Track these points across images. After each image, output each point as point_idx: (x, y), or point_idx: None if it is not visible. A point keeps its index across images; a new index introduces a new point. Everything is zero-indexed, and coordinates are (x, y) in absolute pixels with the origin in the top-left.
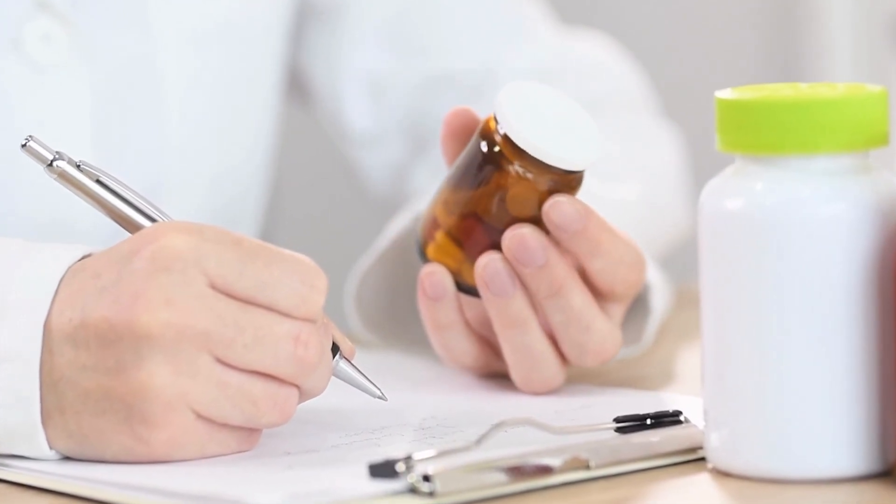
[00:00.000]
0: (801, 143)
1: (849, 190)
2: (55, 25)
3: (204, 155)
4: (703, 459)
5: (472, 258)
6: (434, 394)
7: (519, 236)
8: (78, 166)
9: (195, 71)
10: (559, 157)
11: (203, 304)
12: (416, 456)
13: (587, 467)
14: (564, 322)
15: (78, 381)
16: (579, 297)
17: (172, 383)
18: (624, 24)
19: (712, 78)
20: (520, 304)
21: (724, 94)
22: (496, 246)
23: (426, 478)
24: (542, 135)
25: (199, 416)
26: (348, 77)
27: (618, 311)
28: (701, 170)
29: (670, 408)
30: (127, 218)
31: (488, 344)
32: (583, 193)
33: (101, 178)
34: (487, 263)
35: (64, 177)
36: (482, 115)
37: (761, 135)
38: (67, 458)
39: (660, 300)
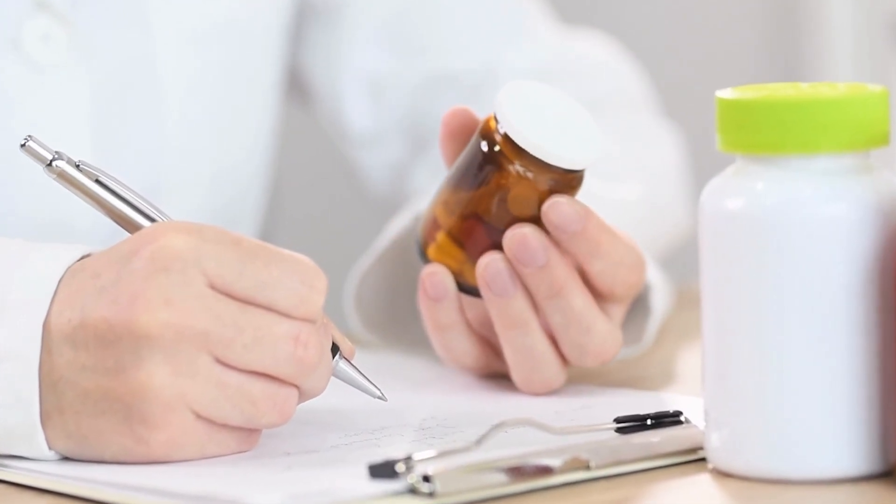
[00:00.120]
0: (801, 142)
1: (850, 190)
2: (54, 25)
3: (203, 155)
4: (703, 460)
5: (474, 258)
6: (434, 394)
7: (520, 236)
8: (77, 166)
9: (195, 71)
10: (559, 156)
11: (202, 304)
12: (416, 456)
13: (587, 468)
14: (565, 323)
15: (77, 381)
16: (580, 298)
17: (172, 384)
18: (624, 23)
19: (713, 77)
20: (521, 304)
21: (725, 93)
22: (497, 246)
23: (426, 478)
24: (542, 134)
25: (199, 417)
26: (348, 77)
27: (618, 311)
28: (701, 169)
29: (671, 408)
30: (126, 218)
31: (489, 344)
32: (583, 193)
33: (100, 178)
34: (489, 263)
35: (63, 177)
36: (482, 114)
37: (762, 134)
38: (67, 459)
39: (660, 300)
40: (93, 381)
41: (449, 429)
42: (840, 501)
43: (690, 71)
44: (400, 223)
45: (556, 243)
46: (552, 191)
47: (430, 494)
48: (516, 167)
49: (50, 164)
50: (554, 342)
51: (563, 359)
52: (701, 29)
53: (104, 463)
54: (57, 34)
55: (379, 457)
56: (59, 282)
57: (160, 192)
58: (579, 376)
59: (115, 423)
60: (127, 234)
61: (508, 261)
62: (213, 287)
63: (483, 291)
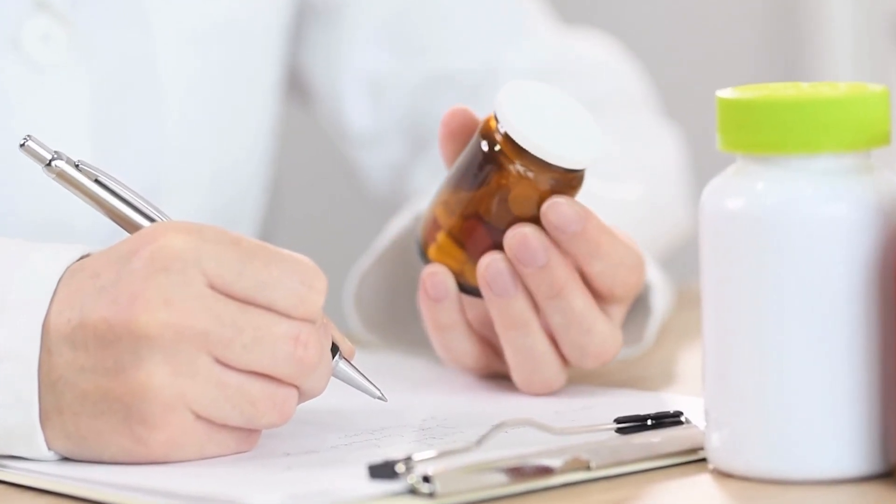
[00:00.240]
0: (802, 142)
1: (850, 190)
2: (54, 25)
3: (203, 155)
4: (704, 460)
5: (474, 258)
6: (434, 394)
7: (521, 235)
8: (76, 166)
9: (195, 71)
10: (560, 155)
11: (202, 304)
12: (416, 457)
13: (588, 468)
14: (565, 324)
15: (76, 381)
16: (580, 299)
17: (171, 384)
18: (624, 23)
19: (713, 77)
20: (521, 305)
21: (726, 93)
22: (498, 246)
23: (426, 479)
24: (542, 133)
25: (198, 417)
26: (348, 77)
27: (618, 312)
28: (702, 169)
29: (671, 408)
30: (126, 218)
31: (489, 345)
32: (583, 193)
33: (99, 178)
34: (490, 263)
35: (62, 176)
36: (483, 114)
37: (762, 134)
38: (66, 459)
39: (661, 300)
40: (92, 382)
41: (449, 429)
42: (840, 502)
43: (691, 71)
44: (400, 223)
45: (556, 244)
46: (553, 190)
47: (430, 495)
48: (517, 167)
49: (49, 164)
50: (554, 343)
51: (564, 359)
52: (701, 28)
53: (103, 463)
54: (57, 34)
55: (379, 457)
56: (59, 282)
57: (160, 191)
58: (580, 377)
59: (115, 423)
60: (126, 234)
61: (509, 261)
62: (212, 287)
63: (484, 291)
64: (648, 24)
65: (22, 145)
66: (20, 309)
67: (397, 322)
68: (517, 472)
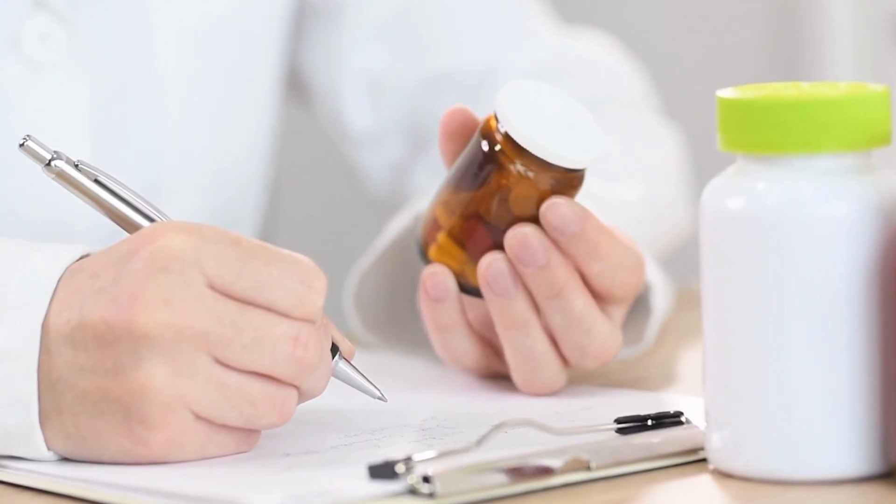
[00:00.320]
0: (803, 142)
1: (851, 189)
2: (54, 24)
3: (203, 154)
4: (704, 460)
5: (475, 258)
6: (434, 395)
7: (521, 235)
8: (76, 166)
9: (194, 70)
10: (561, 155)
11: (202, 304)
12: (416, 457)
13: (588, 468)
14: (565, 324)
15: (76, 382)
16: (580, 299)
17: (171, 384)
18: (625, 23)
19: (714, 77)
20: (522, 305)
21: (726, 93)
22: (498, 246)
23: (426, 479)
24: (543, 133)
25: (198, 417)
26: (348, 77)
27: (618, 312)
28: (702, 169)
29: (671, 408)
30: (125, 218)
31: (490, 345)
32: (583, 193)
33: (99, 178)
34: (490, 263)
35: (62, 176)
36: (483, 114)
37: (763, 134)
38: (65, 460)
39: (661, 300)
40: (92, 382)
41: (449, 429)
42: (841, 502)
43: (691, 70)
44: (400, 223)
45: (555, 244)
46: (553, 190)
47: (430, 495)
48: (517, 166)
49: (48, 164)
50: (554, 343)
51: (564, 360)
52: (702, 28)
53: (103, 463)
54: (56, 34)
55: (379, 457)
56: (58, 282)
57: (160, 191)
58: (580, 377)
59: (114, 423)
60: (126, 234)
61: (510, 261)
62: (212, 287)
63: (484, 291)
64: (648, 24)
65: (21, 145)
66: (20, 309)
67: (397, 322)
68: (517, 473)
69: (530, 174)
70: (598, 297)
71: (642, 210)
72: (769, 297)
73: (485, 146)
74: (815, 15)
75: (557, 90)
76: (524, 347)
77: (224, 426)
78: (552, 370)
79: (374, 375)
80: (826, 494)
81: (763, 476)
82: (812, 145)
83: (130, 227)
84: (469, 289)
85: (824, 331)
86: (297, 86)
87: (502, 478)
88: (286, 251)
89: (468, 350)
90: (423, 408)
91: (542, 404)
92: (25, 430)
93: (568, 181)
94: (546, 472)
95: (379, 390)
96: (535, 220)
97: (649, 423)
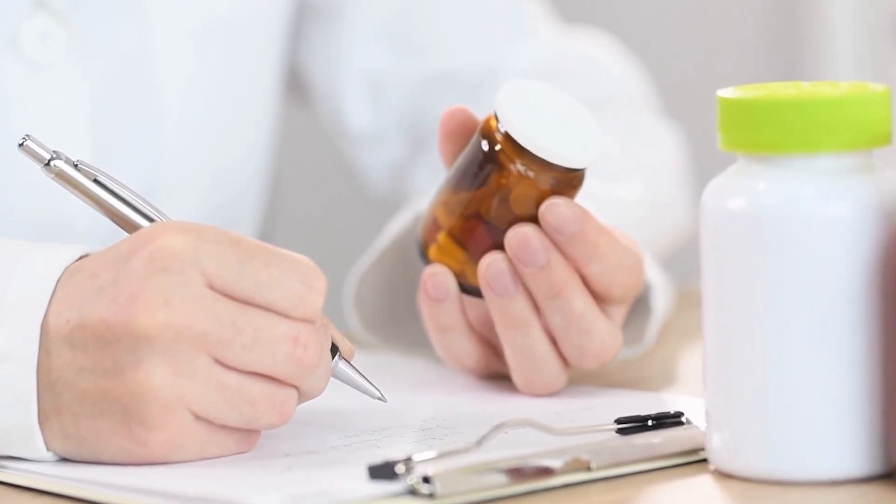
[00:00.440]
0: (803, 142)
1: (852, 189)
2: (53, 24)
3: (202, 154)
4: (704, 461)
5: (475, 258)
6: (434, 395)
7: (521, 235)
8: (75, 165)
9: (194, 69)
10: (561, 154)
11: (201, 304)
12: (416, 457)
13: (588, 469)
14: (565, 324)
15: (75, 382)
16: (580, 299)
17: (170, 384)
18: (625, 22)
19: (714, 77)
20: (522, 305)
21: (727, 93)
22: (499, 246)
23: (426, 479)
24: (543, 133)
25: (198, 418)
26: (348, 76)
27: (618, 313)
28: (703, 169)
29: (672, 409)
30: (125, 218)
31: (490, 345)
32: (583, 193)
33: (98, 178)
34: (490, 263)
35: (61, 176)
36: (483, 114)
37: (764, 134)
38: (65, 460)
39: (661, 300)
40: (91, 382)
41: (449, 430)
42: (841, 502)
43: (691, 70)
44: (400, 223)
45: (555, 245)
46: (553, 190)
47: (430, 496)
48: (517, 166)
49: (48, 164)
50: (554, 343)
51: (564, 360)
52: (703, 28)
53: (102, 464)
54: (56, 33)
55: (379, 458)
56: (57, 282)
57: (159, 191)
58: (580, 377)
59: (114, 423)
60: (126, 234)
61: (510, 261)
62: (212, 287)
63: (485, 291)
64: (648, 24)
65: (21, 145)
66: (20, 309)
67: (397, 322)
68: (517, 473)
69: (530, 174)
70: (598, 297)
71: (642, 210)
72: (770, 297)
73: (485, 146)
74: (816, 15)
75: (557, 90)
76: (524, 347)
77: (224, 426)
78: (552, 370)
79: (373, 375)
80: (826, 495)
81: (763, 476)
82: (813, 145)
83: (130, 227)
84: (469, 289)
85: (825, 331)
86: (297, 86)
87: (502, 478)
88: (286, 251)
89: (468, 350)
90: (423, 408)
91: (542, 404)
92: (25, 431)
93: (568, 181)
94: (546, 472)
95: (379, 390)
96: (535, 219)
97: (650, 423)
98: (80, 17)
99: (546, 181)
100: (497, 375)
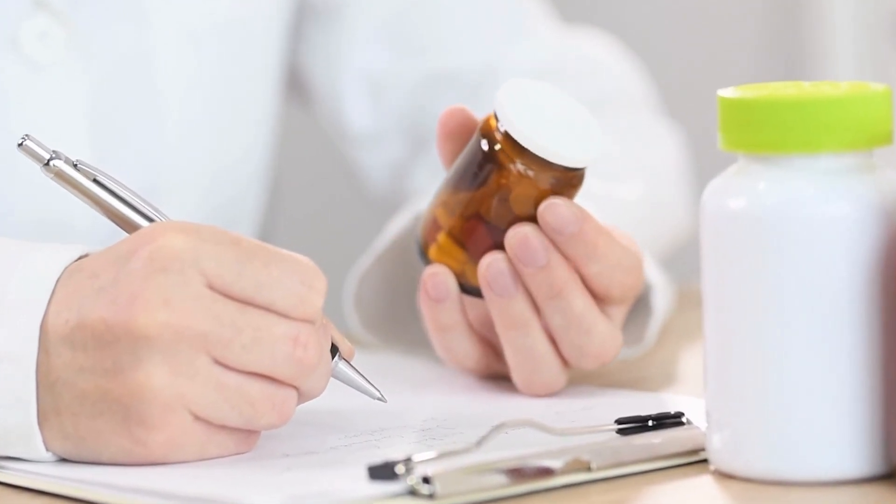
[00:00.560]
0: (804, 141)
1: (852, 189)
2: (53, 24)
3: (202, 154)
4: (705, 461)
5: (475, 258)
6: (434, 395)
7: (521, 235)
8: (75, 165)
9: (193, 69)
10: (561, 154)
11: (201, 304)
12: (416, 458)
13: (588, 469)
14: (565, 325)
15: (75, 382)
16: (580, 299)
17: (170, 384)
18: (625, 22)
19: (714, 77)
20: (522, 305)
21: (727, 92)
22: (499, 246)
23: (426, 480)
24: (543, 132)
25: (197, 418)
26: (348, 76)
27: (618, 313)
28: (703, 169)
29: (672, 409)
30: (124, 217)
31: (490, 345)
32: (583, 193)
33: (98, 178)
34: (491, 263)
35: (61, 176)
36: (483, 114)
37: (764, 134)
38: (64, 460)
39: (661, 301)
40: (91, 382)
41: (449, 430)
42: (842, 503)
43: (692, 70)
44: (400, 223)
45: (554, 245)
46: (553, 189)
47: (430, 496)
48: (517, 166)
49: (47, 164)
50: (554, 343)
51: (564, 360)
52: (703, 27)
53: (102, 464)
54: (55, 33)
55: (378, 458)
56: (57, 282)
57: (159, 191)
58: (580, 377)
59: (114, 424)
60: (125, 234)
61: (510, 261)
62: (211, 287)
63: (485, 291)
64: (648, 24)
65: (20, 145)
66: (19, 309)
67: (397, 322)
68: (517, 474)
69: (530, 173)
70: (597, 297)
71: (642, 210)
72: (770, 297)
73: (484, 145)
74: (816, 15)
75: (557, 89)
76: (524, 348)
77: (223, 427)
78: (552, 370)
79: (373, 376)
80: (827, 495)
81: (764, 477)
82: (813, 145)
83: (129, 226)
84: (469, 289)
85: (825, 331)
86: (297, 86)
87: (502, 479)
88: (286, 251)
89: (468, 350)
90: (423, 408)
91: (542, 405)
92: (24, 431)
93: (568, 180)
94: (546, 472)
95: (378, 391)
96: (535, 219)
97: (650, 423)
98: (79, 17)
99: (546, 181)
100: (497, 375)
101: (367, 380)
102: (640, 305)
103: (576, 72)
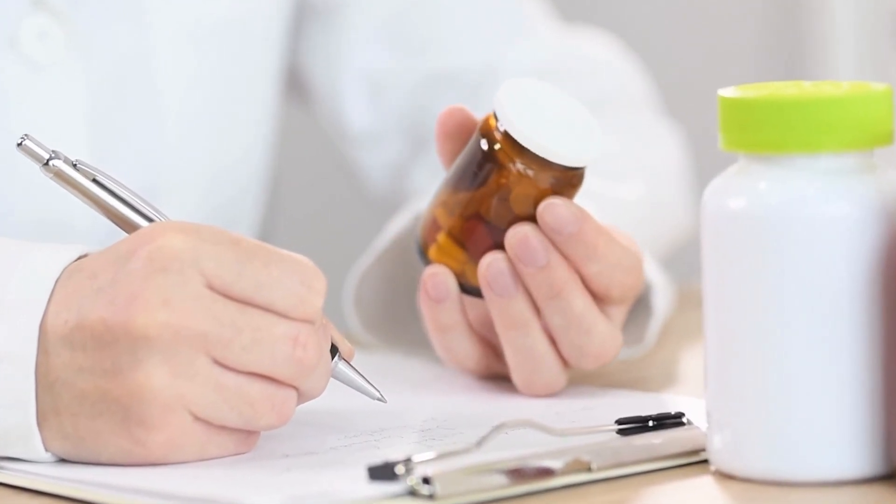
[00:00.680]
0: (804, 141)
1: (853, 189)
2: (52, 23)
3: (202, 154)
4: (705, 461)
5: (475, 258)
6: (434, 395)
7: (521, 235)
8: (74, 165)
9: (193, 69)
10: (561, 153)
11: (200, 304)
12: (416, 458)
13: (589, 469)
14: (565, 325)
15: (74, 382)
16: (580, 299)
17: (170, 385)
18: (625, 22)
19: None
20: (522, 305)
21: (728, 92)
22: (499, 245)
23: (426, 480)
24: (542, 132)
25: (197, 418)
26: (348, 76)
27: (618, 313)
28: (704, 169)
29: (672, 409)
30: (124, 217)
31: (490, 346)
32: (583, 192)
33: (97, 178)
34: (491, 263)
35: (60, 176)
36: (483, 114)
37: (765, 133)
38: (63, 461)
39: (662, 301)
40: (90, 383)
41: (449, 430)
42: (842, 503)
43: (692, 70)
44: (400, 223)
45: (553, 245)
46: (553, 189)
47: (430, 496)
48: (517, 165)
49: (47, 164)
50: (554, 344)
51: (564, 360)
52: (703, 27)
53: (101, 465)
54: (55, 32)
55: (378, 458)
56: (56, 282)
57: (158, 191)
58: (580, 377)
59: (113, 424)
60: (125, 234)
61: (510, 261)
62: (211, 287)
63: (485, 291)
64: (648, 24)
65: (19, 144)
66: (19, 309)
67: (397, 322)
68: (518, 474)
69: (530, 173)
70: (597, 297)
71: (643, 210)
72: (770, 297)
73: (484, 145)
74: (816, 14)
75: (557, 89)
76: (524, 348)
77: (223, 427)
78: (552, 371)
79: (373, 376)
80: (827, 496)
81: (764, 477)
82: (814, 145)
83: (129, 226)
84: (469, 289)
85: (826, 331)
86: (297, 86)
87: (502, 479)
88: (286, 251)
89: (468, 351)
90: (423, 409)
91: (542, 405)
92: (23, 431)
93: (568, 180)
94: (547, 473)
95: (378, 391)
96: (535, 219)
97: (650, 423)
98: (79, 17)
99: (545, 180)
100: (497, 376)
101: (366, 380)
102: (640, 305)
103: (576, 72)
